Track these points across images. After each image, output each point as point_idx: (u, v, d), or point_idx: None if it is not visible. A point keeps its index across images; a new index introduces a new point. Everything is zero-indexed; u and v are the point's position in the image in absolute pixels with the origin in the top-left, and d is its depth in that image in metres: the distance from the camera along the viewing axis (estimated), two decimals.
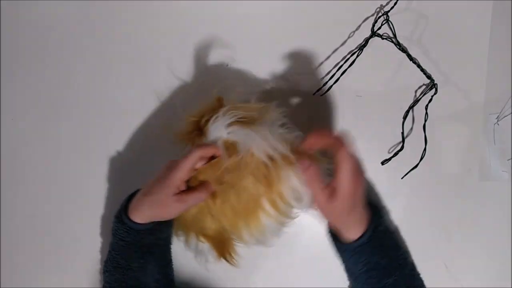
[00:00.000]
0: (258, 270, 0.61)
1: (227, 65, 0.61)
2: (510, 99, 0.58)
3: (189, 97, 0.61)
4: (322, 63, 0.60)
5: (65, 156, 0.63)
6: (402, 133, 0.58)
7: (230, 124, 0.49)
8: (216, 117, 0.49)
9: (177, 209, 0.49)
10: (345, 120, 0.60)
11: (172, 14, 0.61)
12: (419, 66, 0.58)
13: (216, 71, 0.61)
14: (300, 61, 0.60)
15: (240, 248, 0.54)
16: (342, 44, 0.59)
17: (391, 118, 0.59)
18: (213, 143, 0.49)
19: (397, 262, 0.51)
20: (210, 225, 0.52)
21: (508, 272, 0.59)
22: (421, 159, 0.58)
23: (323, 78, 0.60)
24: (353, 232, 0.49)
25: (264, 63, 0.60)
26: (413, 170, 0.58)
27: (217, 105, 0.52)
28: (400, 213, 0.60)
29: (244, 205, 0.49)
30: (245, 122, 0.50)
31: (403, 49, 0.58)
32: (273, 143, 0.48)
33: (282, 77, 0.60)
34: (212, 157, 0.50)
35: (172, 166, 0.48)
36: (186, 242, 0.56)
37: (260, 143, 0.47)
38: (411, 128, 0.59)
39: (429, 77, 0.58)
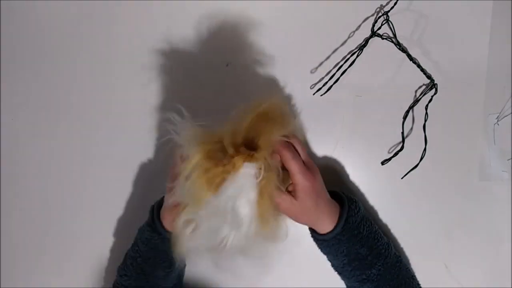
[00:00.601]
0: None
1: (227, 65, 0.61)
2: (510, 99, 0.58)
3: (189, 97, 0.61)
4: (322, 63, 0.60)
5: (65, 156, 0.63)
6: (402, 133, 0.58)
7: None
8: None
9: None
10: (345, 120, 0.60)
11: (172, 14, 0.61)
12: (419, 66, 0.58)
13: (216, 71, 0.61)
14: (300, 61, 0.60)
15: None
16: (342, 44, 0.59)
17: (391, 118, 0.59)
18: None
19: (377, 251, 0.51)
20: None
21: (508, 272, 0.59)
22: (421, 159, 0.58)
23: (323, 78, 0.60)
24: (326, 225, 0.50)
25: (264, 63, 0.60)
26: (413, 170, 0.58)
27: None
28: (400, 213, 0.60)
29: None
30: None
31: (403, 49, 0.58)
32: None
33: (282, 77, 0.60)
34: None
35: (175, 173, 0.48)
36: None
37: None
38: (411, 128, 0.59)
39: (429, 77, 0.58)
